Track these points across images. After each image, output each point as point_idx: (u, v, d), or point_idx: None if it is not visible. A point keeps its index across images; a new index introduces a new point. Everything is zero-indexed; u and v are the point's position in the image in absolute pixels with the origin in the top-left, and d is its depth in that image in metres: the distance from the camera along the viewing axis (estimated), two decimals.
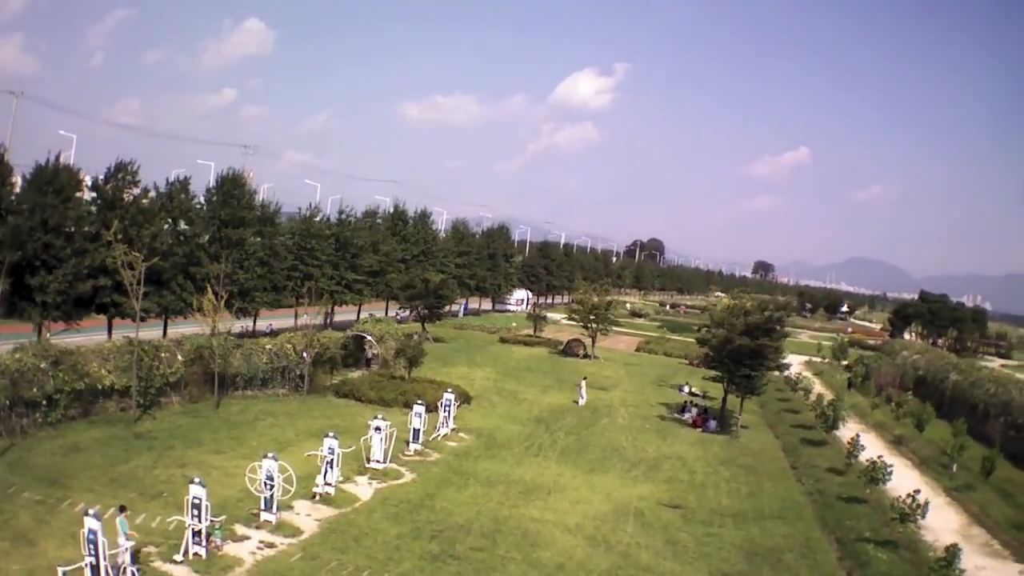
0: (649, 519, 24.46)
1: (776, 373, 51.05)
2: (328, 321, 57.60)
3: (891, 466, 28.88)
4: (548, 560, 20.28)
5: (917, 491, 24.82)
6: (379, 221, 62.90)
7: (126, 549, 16.09)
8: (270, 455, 20.53)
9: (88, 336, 37.83)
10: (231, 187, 44.12)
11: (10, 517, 18.81)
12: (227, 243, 42.40)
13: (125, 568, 15.88)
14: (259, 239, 45.18)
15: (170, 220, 39.75)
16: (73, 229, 33.30)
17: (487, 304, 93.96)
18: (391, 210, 68.34)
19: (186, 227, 40.29)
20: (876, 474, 28.33)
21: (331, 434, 23.21)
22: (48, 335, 34.80)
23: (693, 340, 68.60)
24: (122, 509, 17.53)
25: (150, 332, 39.21)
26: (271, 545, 19.20)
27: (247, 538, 19.34)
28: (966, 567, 22.76)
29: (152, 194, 39.29)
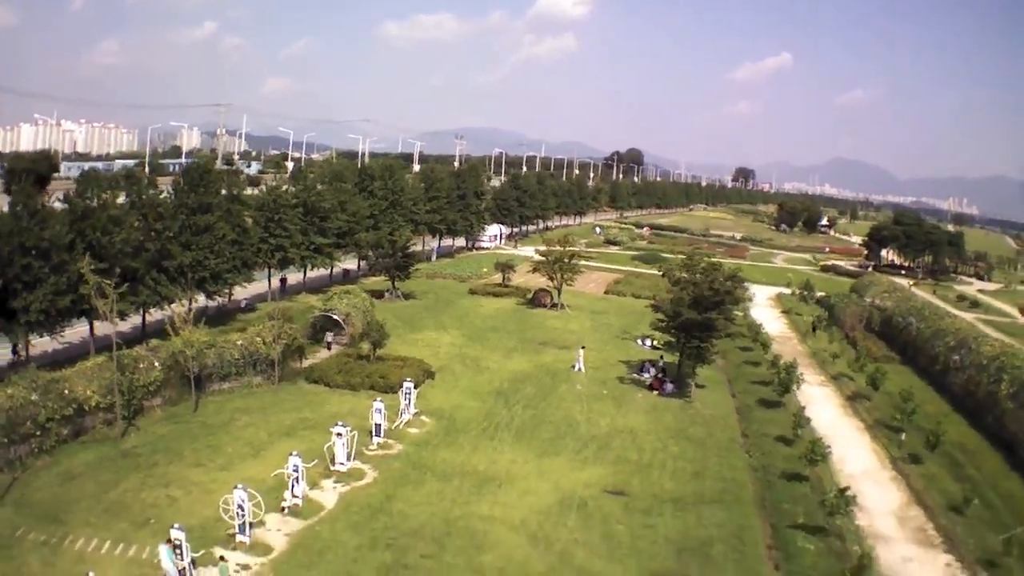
0: (591, 510, 26.67)
1: (739, 314, 52.84)
2: (283, 286, 59.03)
3: (829, 447, 30.75)
4: (490, 564, 22.69)
5: (847, 488, 26.82)
6: (344, 184, 63.64)
7: None
8: (239, 487, 22.69)
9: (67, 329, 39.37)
10: (197, 176, 44.83)
11: (21, 564, 21.05)
12: (196, 230, 43.50)
13: None
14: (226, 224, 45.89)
15: (141, 216, 40.56)
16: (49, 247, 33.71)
17: (461, 240, 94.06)
18: (361, 160, 69.01)
19: (155, 222, 41.02)
20: (815, 455, 30.09)
21: (294, 453, 25.37)
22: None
23: (663, 275, 70.58)
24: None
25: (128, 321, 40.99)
26: (246, 567, 21.61)
27: (225, 561, 21.41)
28: (894, 559, 24.76)
29: (121, 198, 40.06)
